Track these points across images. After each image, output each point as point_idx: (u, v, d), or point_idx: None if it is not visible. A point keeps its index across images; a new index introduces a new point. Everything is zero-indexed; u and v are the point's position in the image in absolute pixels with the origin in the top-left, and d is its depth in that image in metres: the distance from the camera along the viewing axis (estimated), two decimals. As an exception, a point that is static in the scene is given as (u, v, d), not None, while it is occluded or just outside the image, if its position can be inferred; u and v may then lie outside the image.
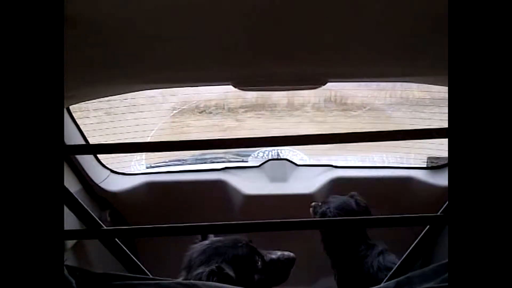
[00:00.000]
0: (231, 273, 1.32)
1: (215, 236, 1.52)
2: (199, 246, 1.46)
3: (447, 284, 0.91)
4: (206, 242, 1.47)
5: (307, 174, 2.41)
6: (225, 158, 2.64)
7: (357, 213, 1.95)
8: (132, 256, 1.30)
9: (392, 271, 1.24)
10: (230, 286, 1.04)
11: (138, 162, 2.63)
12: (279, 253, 1.56)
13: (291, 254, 1.57)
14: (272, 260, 1.53)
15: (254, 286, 1.47)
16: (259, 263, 1.48)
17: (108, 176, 2.28)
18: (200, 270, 1.31)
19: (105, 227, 1.25)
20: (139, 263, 1.32)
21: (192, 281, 1.11)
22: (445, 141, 2.44)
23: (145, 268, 1.33)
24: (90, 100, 1.89)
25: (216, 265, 1.32)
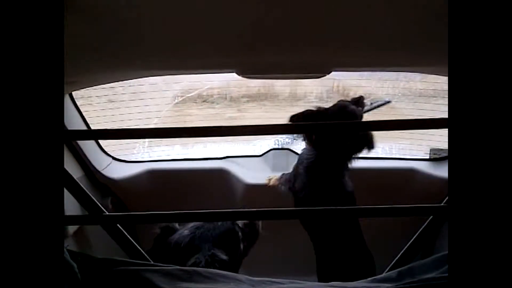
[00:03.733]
0: (224, 256, 1.34)
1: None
2: (182, 233, 1.48)
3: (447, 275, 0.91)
4: (186, 231, 1.48)
5: (309, 164, 2.40)
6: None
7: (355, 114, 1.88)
8: (134, 242, 1.31)
9: (394, 261, 1.24)
10: (229, 273, 1.04)
11: (141, 150, 2.63)
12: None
13: None
14: (245, 224, 1.58)
15: (242, 255, 1.52)
16: (239, 233, 1.52)
17: (110, 163, 2.29)
18: (192, 260, 1.33)
19: (107, 213, 1.25)
20: (141, 249, 1.32)
21: (193, 267, 1.11)
22: (445, 131, 2.44)
23: (146, 254, 1.34)
24: (92, 86, 1.89)
25: (209, 253, 1.33)
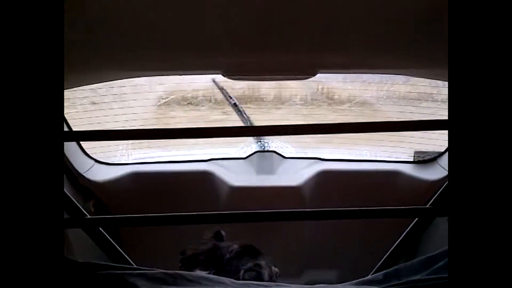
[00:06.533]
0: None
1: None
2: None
3: (434, 276, 0.91)
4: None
5: (295, 166, 2.40)
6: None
7: None
8: (116, 245, 1.29)
9: (379, 263, 1.24)
10: (215, 276, 1.03)
11: (124, 153, 2.60)
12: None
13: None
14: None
15: None
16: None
17: (92, 165, 2.25)
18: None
19: (89, 216, 1.23)
20: (123, 253, 1.30)
21: (177, 271, 1.10)
22: (432, 135, 2.45)
23: (130, 258, 1.32)
24: (77, 87, 1.86)
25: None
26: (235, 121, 3.06)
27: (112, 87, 2.51)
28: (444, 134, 2.28)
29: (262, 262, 1.33)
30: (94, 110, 2.54)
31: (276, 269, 1.46)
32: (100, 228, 1.29)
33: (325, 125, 0.92)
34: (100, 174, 2.23)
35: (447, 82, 1.88)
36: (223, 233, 1.49)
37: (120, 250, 1.30)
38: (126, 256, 1.31)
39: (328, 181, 2.18)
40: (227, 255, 1.39)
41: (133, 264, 1.30)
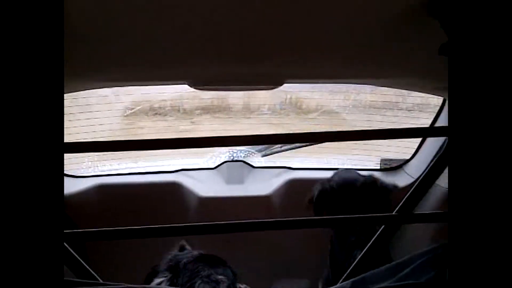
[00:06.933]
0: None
1: (193, 248, 1.48)
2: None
3: (402, 283, 0.92)
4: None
5: (264, 176, 2.40)
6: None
7: (360, 183, 1.91)
8: (81, 261, 1.25)
9: (347, 272, 1.25)
10: None
11: (90, 165, 2.54)
12: None
13: None
14: None
15: None
16: None
17: (57, 178, 2.19)
18: None
19: (53, 231, 1.19)
20: (89, 269, 1.26)
21: (144, 285, 1.07)
22: (398, 142, 2.49)
23: (96, 274, 1.28)
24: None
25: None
26: (204, 131, 3.05)
27: (76, 98, 2.45)
28: (410, 141, 2.33)
29: (221, 277, 1.30)
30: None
31: (242, 286, 1.43)
32: (65, 243, 1.25)
33: (297, 135, 0.92)
34: (66, 187, 2.17)
35: (412, 91, 1.93)
36: (188, 247, 1.48)
37: (86, 265, 1.26)
38: (92, 272, 1.27)
39: (297, 190, 2.18)
40: (185, 260, 1.37)
41: (99, 279, 1.26)
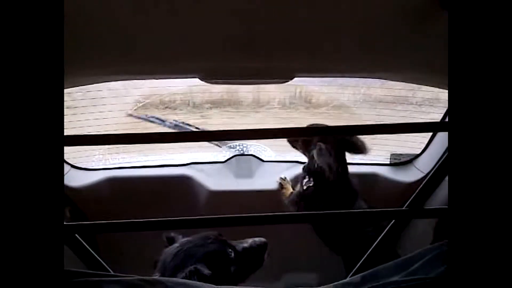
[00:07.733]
0: (206, 271, 1.31)
1: (183, 237, 1.50)
2: (170, 250, 1.44)
3: (412, 277, 0.92)
4: (176, 245, 1.44)
5: (273, 170, 2.41)
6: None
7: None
8: (93, 252, 1.26)
9: (357, 266, 1.25)
10: (194, 282, 1.02)
11: (101, 158, 2.56)
12: (250, 240, 1.58)
13: (262, 239, 1.60)
14: (244, 248, 1.53)
15: (232, 277, 1.46)
16: (232, 254, 1.47)
17: (68, 171, 2.21)
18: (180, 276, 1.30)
19: (65, 223, 1.21)
20: (101, 260, 1.28)
21: (154, 277, 1.08)
22: (407, 137, 2.48)
23: (107, 266, 1.30)
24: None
25: (192, 267, 1.30)
26: (213, 125, 3.05)
27: (89, 91, 2.47)
28: (419, 136, 2.31)
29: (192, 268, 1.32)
30: (71, 115, 2.50)
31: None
32: (76, 235, 1.26)
33: (306, 129, 0.92)
34: (76, 180, 2.19)
35: (422, 85, 1.92)
36: (177, 236, 1.53)
37: (97, 257, 1.27)
38: (103, 263, 1.29)
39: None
40: (168, 258, 1.41)
41: (111, 271, 1.28)
